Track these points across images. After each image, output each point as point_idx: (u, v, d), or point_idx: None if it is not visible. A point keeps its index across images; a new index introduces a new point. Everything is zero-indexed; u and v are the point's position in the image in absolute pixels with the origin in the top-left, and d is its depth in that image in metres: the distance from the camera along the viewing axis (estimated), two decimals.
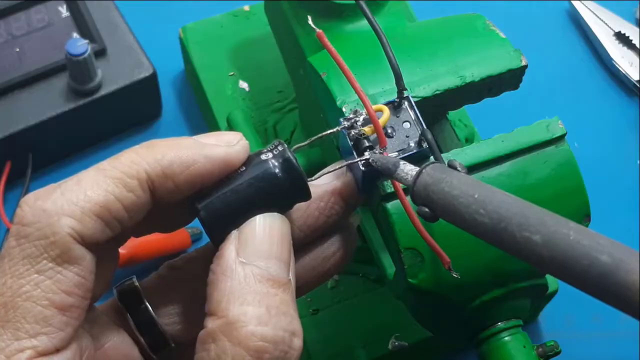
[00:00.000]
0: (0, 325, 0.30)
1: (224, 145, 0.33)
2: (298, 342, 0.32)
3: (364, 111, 0.36)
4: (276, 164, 0.34)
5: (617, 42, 0.67)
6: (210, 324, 0.31)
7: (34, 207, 0.30)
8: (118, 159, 0.32)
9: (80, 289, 0.31)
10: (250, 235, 0.33)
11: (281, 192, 0.34)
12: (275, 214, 0.34)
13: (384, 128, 0.36)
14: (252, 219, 0.33)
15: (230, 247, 0.33)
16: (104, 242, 0.31)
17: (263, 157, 0.34)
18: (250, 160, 0.35)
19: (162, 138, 0.33)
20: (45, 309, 0.30)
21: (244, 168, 0.34)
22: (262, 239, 0.33)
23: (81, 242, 0.30)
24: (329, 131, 0.36)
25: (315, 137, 0.36)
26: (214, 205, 0.34)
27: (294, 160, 0.34)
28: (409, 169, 0.32)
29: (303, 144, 0.36)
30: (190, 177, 0.32)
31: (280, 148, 0.34)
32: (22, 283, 0.30)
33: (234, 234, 0.33)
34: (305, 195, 0.35)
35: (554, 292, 0.54)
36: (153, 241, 0.56)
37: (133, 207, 0.31)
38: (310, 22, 0.36)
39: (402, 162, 0.33)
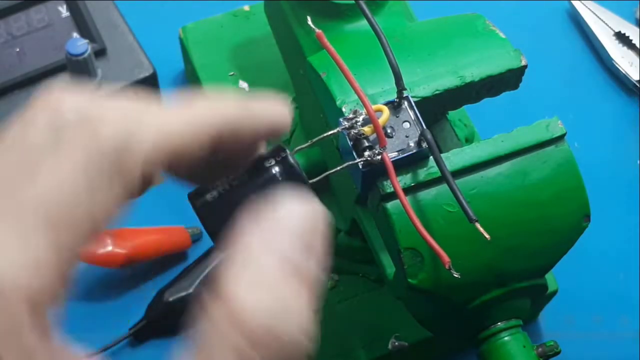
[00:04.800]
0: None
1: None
2: (309, 346, 0.31)
3: (363, 111, 0.36)
4: (279, 170, 0.34)
5: (617, 42, 0.67)
6: (216, 310, 0.29)
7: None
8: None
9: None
10: (278, 222, 0.30)
11: None
12: (310, 200, 0.31)
13: (384, 128, 0.36)
14: (280, 201, 0.30)
15: (254, 233, 0.30)
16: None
17: (266, 164, 0.34)
18: (253, 167, 0.35)
19: None
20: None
21: (247, 176, 0.34)
22: (293, 228, 0.30)
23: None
24: (329, 132, 0.36)
25: (317, 138, 0.36)
26: (217, 212, 0.34)
27: (297, 167, 0.34)
28: None
29: (304, 145, 0.36)
30: (253, 136, 0.31)
31: (282, 154, 0.34)
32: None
33: (258, 219, 0.30)
34: None
35: (554, 292, 0.54)
36: (153, 241, 0.56)
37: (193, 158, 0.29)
38: (309, 22, 0.36)
39: None
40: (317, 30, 0.35)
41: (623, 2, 0.69)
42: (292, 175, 0.34)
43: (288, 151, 0.35)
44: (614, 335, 0.56)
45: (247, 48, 0.61)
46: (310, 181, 0.35)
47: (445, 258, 0.34)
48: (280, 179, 0.34)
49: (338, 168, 0.36)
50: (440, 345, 0.54)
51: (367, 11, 0.37)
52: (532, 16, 0.70)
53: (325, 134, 0.36)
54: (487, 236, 0.33)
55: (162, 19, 0.67)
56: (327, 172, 0.36)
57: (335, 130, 0.36)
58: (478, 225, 0.33)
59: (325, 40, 0.35)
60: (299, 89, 0.52)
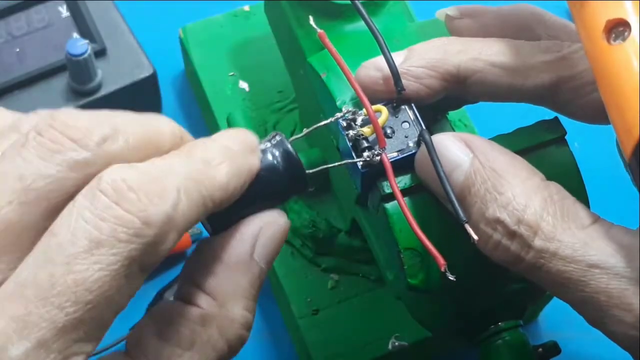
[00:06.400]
0: None
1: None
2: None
3: (362, 112, 0.36)
4: (276, 153, 0.34)
5: None
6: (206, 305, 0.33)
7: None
8: None
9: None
10: (268, 240, 0.33)
11: (279, 182, 0.34)
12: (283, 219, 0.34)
13: (383, 128, 0.36)
14: (272, 220, 0.34)
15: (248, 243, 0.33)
16: None
17: (262, 146, 0.34)
18: None
19: None
20: None
21: None
22: (276, 245, 0.34)
23: None
24: (323, 122, 0.36)
25: (312, 127, 0.36)
26: None
27: (292, 150, 0.34)
28: None
29: (300, 135, 0.36)
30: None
31: (278, 138, 0.34)
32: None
33: (252, 231, 0.33)
34: (303, 186, 0.35)
35: None
36: None
37: None
38: (311, 22, 0.36)
39: None
40: (319, 30, 0.36)
41: None
42: (288, 160, 0.34)
43: (284, 135, 0.34)
44: None
45: (247, 48, 0.61)
46: (308, 171, 0.35)
47: (441, 261, 0.33)
48: (277, 163, 0.34)
49: (336, 164, 0.36)
50: (440, 345, 0.54)
51: (362, 11, 0.37)
52: None
53: (321, 123, 0.36)
54: (475, 237, 0.33)
55: (162, 19, 0.67)
56: (325, 166, 0.36)
57: (330, 119, 0.36)
58: (467, 226, 0.33)
59: (327, 40, 0.35)
60: (299, 89, 0.52)
